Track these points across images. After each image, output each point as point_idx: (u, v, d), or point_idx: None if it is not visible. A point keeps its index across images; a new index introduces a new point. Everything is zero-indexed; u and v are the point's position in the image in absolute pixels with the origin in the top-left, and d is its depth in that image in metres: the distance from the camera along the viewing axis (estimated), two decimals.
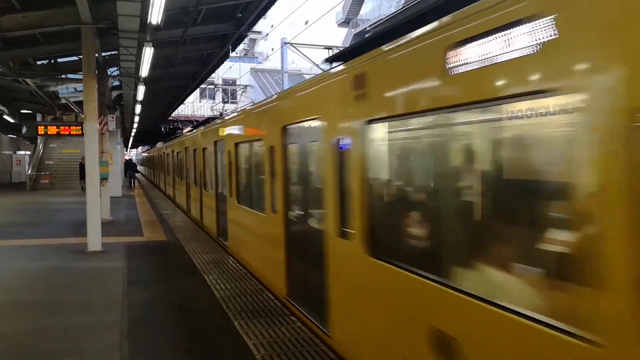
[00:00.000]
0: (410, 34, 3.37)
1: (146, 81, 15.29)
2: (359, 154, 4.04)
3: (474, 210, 3.13)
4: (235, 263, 8.63)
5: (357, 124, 4.00)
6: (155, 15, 8.87)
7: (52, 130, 20.65)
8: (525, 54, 2.35)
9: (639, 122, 1.87)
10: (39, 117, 26.28)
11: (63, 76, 15.99)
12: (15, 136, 36.03)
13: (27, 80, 15.22)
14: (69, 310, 6.17)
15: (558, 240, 2.42)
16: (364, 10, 46.33)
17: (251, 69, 47.04)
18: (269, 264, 6.95)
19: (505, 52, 2.46)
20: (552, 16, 2.18)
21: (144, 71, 13.53)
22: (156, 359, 4.71)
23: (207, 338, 5.20)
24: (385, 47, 3.68)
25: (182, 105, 38.19)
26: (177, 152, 18.30)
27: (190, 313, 6.03)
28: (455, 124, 3.18)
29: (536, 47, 2.28)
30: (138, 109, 23.54)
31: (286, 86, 27.93)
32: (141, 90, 16.99)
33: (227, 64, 24.30)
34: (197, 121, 26.34)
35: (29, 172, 28.85)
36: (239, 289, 6.90)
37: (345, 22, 47.92)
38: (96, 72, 10.87)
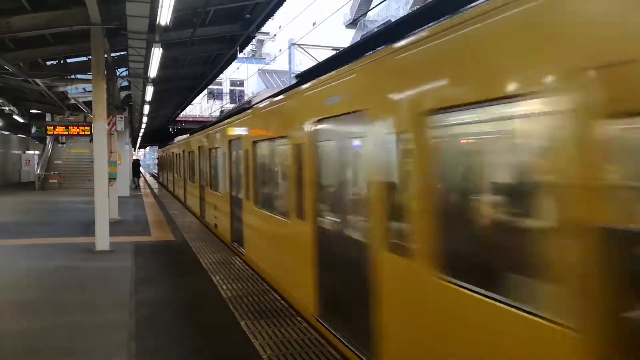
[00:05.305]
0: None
1: (155, 82, 15.37)
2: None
3: None
4: (242, 263, 8.65)
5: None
6: (164, 16, 8.91)
7: (61, 130, 20.79)
8: None
9: None
10: (48, 117, 26.45)
11: (72, 76, 16.08)
12: (24, 136, 36.29)
13: (37, 80, 15.32)
14: (77, 309, 6.21)
15: None
16: (372, 12, 46.28)
17: (259, 70, 47.11)
18: (293, 278, 6.28)
19: None
20: None
21: (153, 72, 13.60)
22: (163, 359, 4.73)
23: (214, 338, 5.22)
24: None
25: (190, 106, 38.36)
26: (189, 152, 17.96)
27: (197, 313, 6.05)
28: None
29: None
30: (146, 109, 23.67)
31: None
32: (149, 91, 17.08)
33: (234, 64, 24.38)
34: (205, 121, 26.56)
35: (38, 171, 29.05)
36: (245, 289, 6.92)
37: (353, 23, 47.90)
38: (105, 72, 10.93)
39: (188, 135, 20.63)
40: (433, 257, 3.19)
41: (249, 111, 8.76)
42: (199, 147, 14.88)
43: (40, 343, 5.11)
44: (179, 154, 21.57)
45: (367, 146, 4.16)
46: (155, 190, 29.17)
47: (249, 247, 8.83)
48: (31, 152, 38.01)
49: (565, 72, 2.18)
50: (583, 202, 2.12)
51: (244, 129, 9.08)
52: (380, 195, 3.90)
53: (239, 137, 9.43)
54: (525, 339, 2.45)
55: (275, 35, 41.06)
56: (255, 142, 8.15)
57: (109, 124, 13.09)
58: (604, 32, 2.05)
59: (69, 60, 15.53)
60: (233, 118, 10.27)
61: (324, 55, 17.93)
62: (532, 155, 2.62)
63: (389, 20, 41.02)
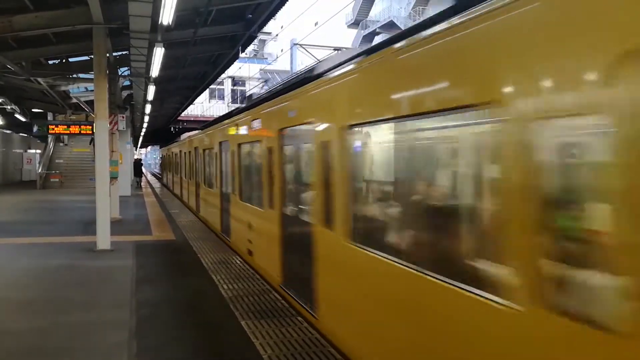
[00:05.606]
0: None
1: (156, 81, 15.40)
2: None
3: None
4: (243, 263, 8.60)
5: None
6: (167, 16, 8.93)
7: (62, 129, 20.82)
8: None
9: None
10: (49, 116, 26.49)
11: (74, 76, 16.11)
12: (26, 135, 36.34)
13: (39, 79, 15.36)
14: (77, 308, 6.21)
15: None
16: (374, 12, 46.31)
17: (260, 69, 47.12)
18: None
19: None
20: None
21: (155, 71, 13.62)
22: (164, 358, 4.73)
23: (214, 337, 5.22)
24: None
25: (191, 106, 38.38)
26: (204, 150, 14.60)
27: (198, 312, 6.05)
28: None
29: None
30: (148, 108, 23.69)
31: None
32: (151, 91, 17.11)
33: (236, 64, 24.39)
34: (206, 121, 26.46)
35: (39, 170, 29.09)
36: (246, 289, 6.92)
37: (355, 24, 47.94)
38: (107, 72, 10.94)
39: (200, 130, 17.25)
40: None
41: (322, 80, 5.42)
42: (221, 142, 11.54)
43: (40, 342, 5.11)
44: (190, 152, 17.91)
45: None
46: (157, 190, 29.20)
47: (335, 312, 5.06)
48: (32, 151, 38.08)
49: None
50: None
51: (317, 110, 5.52)
52: None
53: (302, 123, 5.98)
54: None
55: (277, 35, 41.09)
56: (350, 127, 4.53)
57: (110, 123, 13.11)
58: None
59: (71, 60, 15.57)
60: (280, 98, 6.99)
61: (326, 55, 17.94)
62: None
63: (391, 20, 41.01)
